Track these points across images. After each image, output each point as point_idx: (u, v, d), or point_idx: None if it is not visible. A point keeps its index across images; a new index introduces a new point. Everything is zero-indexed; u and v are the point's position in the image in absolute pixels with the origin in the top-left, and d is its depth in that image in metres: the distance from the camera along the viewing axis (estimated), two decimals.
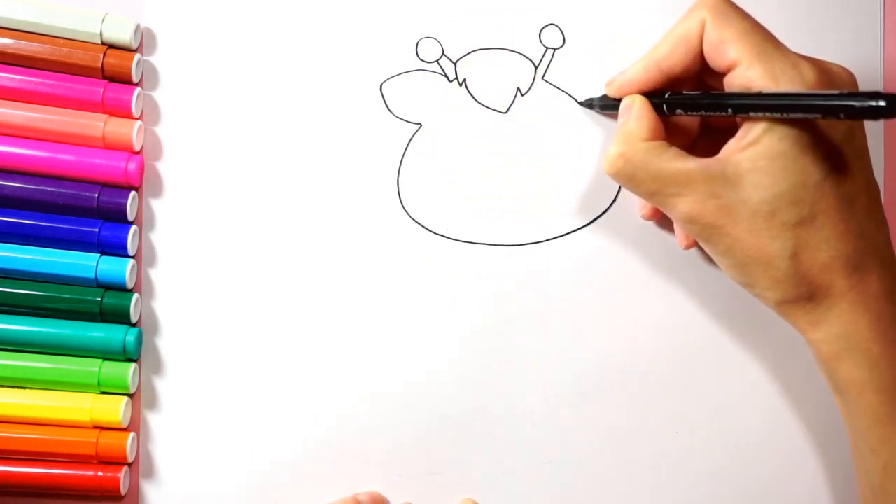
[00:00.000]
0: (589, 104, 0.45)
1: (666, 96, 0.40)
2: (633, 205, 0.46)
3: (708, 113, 0.38)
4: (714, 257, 0.40)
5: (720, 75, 0.39)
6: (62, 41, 0.44)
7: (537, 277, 0.46)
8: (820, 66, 0.37)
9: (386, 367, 0.46)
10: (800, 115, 0.35)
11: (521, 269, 0.46)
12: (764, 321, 0.45)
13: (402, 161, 0.46)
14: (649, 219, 0.45)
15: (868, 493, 0.40)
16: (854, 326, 0.37)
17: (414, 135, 0.46)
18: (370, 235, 0.46)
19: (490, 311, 0.46)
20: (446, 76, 0.46)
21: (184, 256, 0.46)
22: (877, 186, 0.39)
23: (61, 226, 0.45)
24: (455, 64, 0.46)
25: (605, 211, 0.46)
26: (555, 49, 0.46)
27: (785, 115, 0.35)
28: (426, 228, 0.46)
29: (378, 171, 0.46)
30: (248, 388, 0.46)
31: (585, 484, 0.46)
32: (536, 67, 0.46)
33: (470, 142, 0.46)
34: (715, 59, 0.38)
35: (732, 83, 0.38)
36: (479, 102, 0.46)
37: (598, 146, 0.46)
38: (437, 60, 0.46)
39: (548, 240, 0.46)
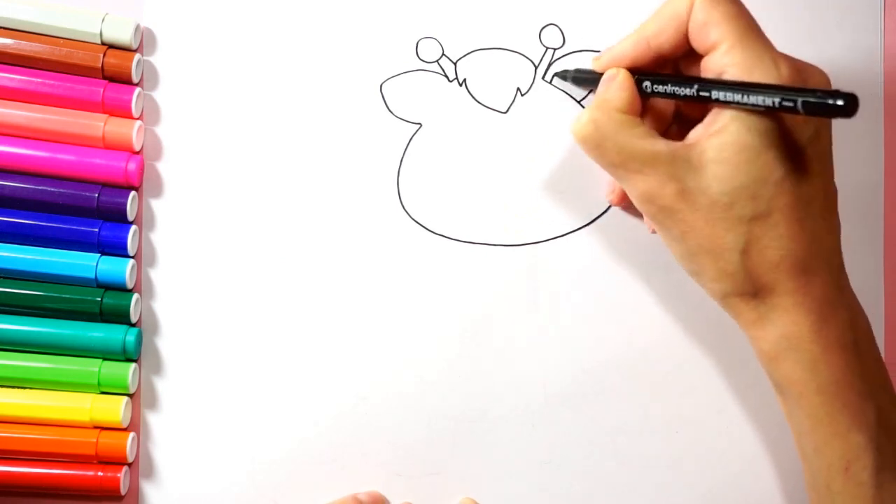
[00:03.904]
0: (563, 76, 0.45)
1: (635, 76, 0.40)
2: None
3: (674, 88, 0.38)
4: (666, 242, 0.39)
5: (699, 62, 0.39)
6: (62, 41, 0.44)
7: (537, 277, 0.46)
8: (796, 65, 0.37)
9: (385, 366, 0.46)
10: (759, 101, 0.34)
11: (520, 269, 0.46)
12: None
13: (402, 161, 0.46)
14: (617, 204, 0.45)
15: (813, 493, 0.40)
16: (796, 327, 0.37)
17: (414, 135, 0.46)
18: (370, 235, 0.46)
19: (490, 311, 0.46)
20: (446, 76, 0.46)
21: (184, 256, 0.46)
22: (835, 192, 0.39)
23: (61, 226, 0.45)
24: (455, 64, 0.46)
25: (605, 211, 0.46)
26: (555, 49, 0.46)
27: (745, 97, 0.35)
28: (426, 228, 0.46)
29: (378, 171, 0.46)
30: (247, 387, 0.46)
31: (585, 484, 0.46)
32: (536, 67, 0.46)
33: (470, 142, 0.46)
34: (697, 40, 0.38)
35: (708, 66, 0.38)
36: (479, 102, 0.46)
37: None
38: (437, 60, 0.46)
39: (548, 240, 0.46)
